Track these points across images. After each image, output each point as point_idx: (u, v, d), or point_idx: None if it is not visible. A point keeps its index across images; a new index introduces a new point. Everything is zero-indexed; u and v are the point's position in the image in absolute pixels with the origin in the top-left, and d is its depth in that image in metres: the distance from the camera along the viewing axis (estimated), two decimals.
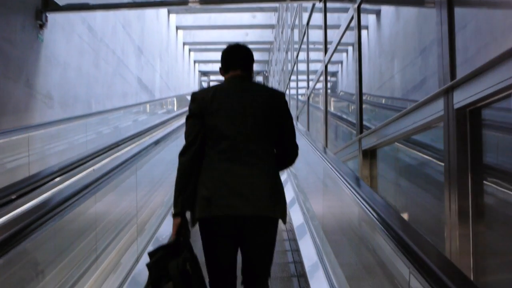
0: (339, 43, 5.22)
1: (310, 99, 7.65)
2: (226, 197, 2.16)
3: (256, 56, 22.13)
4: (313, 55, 7.82)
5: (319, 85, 6.57)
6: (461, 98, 2.00)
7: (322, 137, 6.04)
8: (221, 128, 2.24)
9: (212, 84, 31.95)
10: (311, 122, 7.57)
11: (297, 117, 9.60)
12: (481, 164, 1.95)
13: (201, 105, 2.29)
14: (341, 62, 5.72)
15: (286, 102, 2.42)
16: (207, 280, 2.24)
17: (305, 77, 9.47)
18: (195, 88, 26.49)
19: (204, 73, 29.54)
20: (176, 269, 2.08)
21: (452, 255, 1.98)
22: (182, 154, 2.26)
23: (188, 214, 2.26)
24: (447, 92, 2.12)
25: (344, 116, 5.34)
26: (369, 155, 3.94)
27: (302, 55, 9.38)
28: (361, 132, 4.03)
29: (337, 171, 3.13)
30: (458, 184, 1.98)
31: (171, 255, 2.14)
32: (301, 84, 9.82)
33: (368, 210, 2.08)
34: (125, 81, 11.31)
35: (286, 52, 13.68)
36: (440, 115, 2.20)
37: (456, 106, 2.04)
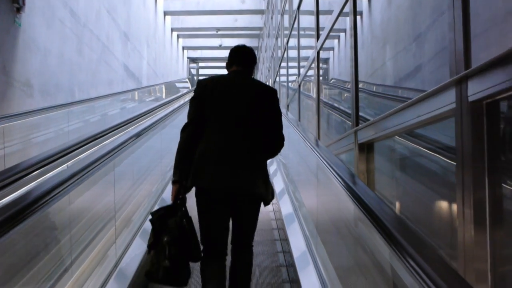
0: (332, 28, 4.97)
1: (301, 87, 7.40)
2: (216, 172, 2.56)
3: (246, 42, 21.72)
4: (304, 41, 7.56)
5: (311, 72, 6.32)
6: (477, 89, 1.77)
7: (314, 127, 5.81)
8: (218, 111, 2.66)
9: (201, 70, 31.62)
10: (302, 111, 7.34)
11: (288, 106, 9.35)
12: (500, 164, 1.73)
13: (204, 90, 2.70)
14: (333, 49, 5.63)
15: (277, 99, 2.81)
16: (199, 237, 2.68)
17: (295, 63, 9.21)
18: (184, 75, 26.09)
19: (193, 60, 29.10)
20: (174, 224, 2.57)
21: (467, 263, 1.76)
22: (183, 130, 2.68)
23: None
24: (460, 82, 1.88)
25: (337, 105, 5.11)
26: (366, 148, 3.71)
27: (293, 41, 9.12)
28: (357, 124, 3.80)
29: (330, 167, 2.91)
30: (473, 187, 1.75)
31: (171, 214, 2.61)
32: (291, 71, 9.56)
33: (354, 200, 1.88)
34: (110, 68, 10.96)
35: (276, 38, 13.38)
36: (451, 108, 1.97)
37: (471, 99, 1.80)
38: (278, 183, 5.66)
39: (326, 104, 5.36)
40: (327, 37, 5.25)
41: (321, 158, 3.34)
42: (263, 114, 2.71)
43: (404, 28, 3.04)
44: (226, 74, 2.89)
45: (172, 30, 21.22)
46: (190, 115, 2.70)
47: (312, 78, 6.49)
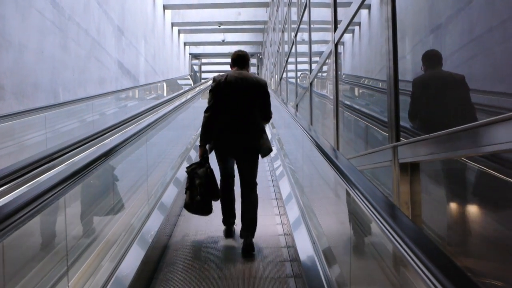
0: (352, 19, 4.06)
1: (313, 85, 6.45)
2: (227, 138, 3.94)
3: (250, 37, 20.87)
4: (314, 35, 6.61)
5: (320, 67, 5.39)
6: None
7: (331, 135, 4.87)
8: (228, 98, 3.93)
9: (203, 67, 30.74)
10: (315, 112, 6.39)
11: (297, 105, 8.40)
12: None
13: (218, 84, 3.95)
14: (343, 43, 5.08)
15: (266, 87, 4.07)
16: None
17: (305, 59, 8.27)
18: (186, 72, 25.19)
19: (195, 56, 28.17)
20: (202, 172, 3.93)
21: None
22: (206, 111, 3.94)
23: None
24: None
25: (364, 109, 4.16)
26: (410, 170, 2.78)
27: (301, 36, 8.17)
28: (397, 137, 2.86)
29: (357, 191, 2.00)
30: None
31: (199, 166, 3.97)
32: (300, 66, 8.61)
33: None
34: (102, 65, 10.05)
35: (282, 32, 12.43)
36: None
37: None
38: (292, 210, 4.62)
39: (349, 107, 4.40)
40: (346, 29, 4.31)
41: (348, 182, 2.43)
42: (258, 98, 3.98)
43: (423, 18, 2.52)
44: (231, 72, 4.09)
45: (173, 24, 20.28)
46: (209, 102, 3.96)
47: (330, 75, 5.55)
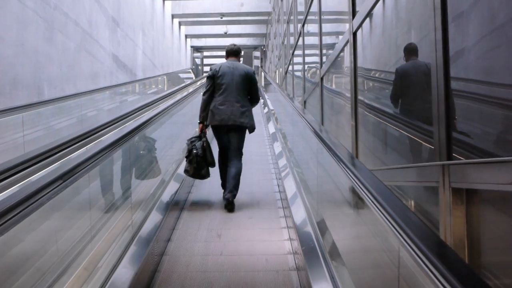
0: (375, 4, 3.37)
1: (324, 80, 5.73)
2: (220, 115, 4.78)
3: (253, 29, 20.06)
4: (325, 26, 5.89)
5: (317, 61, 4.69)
6: None
7: (348, 137, 4.17)
8: (222, 84, 4.82)
9: (205, 60, 30.03)
10: (326, 111, 5.67)
11: (304, 102, 7.67)
12: None
13: (214, 72, 4.86)
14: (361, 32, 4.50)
15: (254, 74, 5.06)
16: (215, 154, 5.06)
17: (312, 51, 7.57)
18: (188, 65, 24.47)
19: (197, 49, 27.41)
20: (200, 144, 4.85)
21: None
22: (204, 94, 4.88)
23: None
24: None
25: (386, 109, 3.43)
26: (466, 197, 2.08)
27: (308, 27, 7.45)
28: (448, 154, 2.16)
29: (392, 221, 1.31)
30: None
31: (198, 139, 4.88)
32: (308, 59, 7.89)
33: None
34: (94, 59, 9.34)
35: (288, 23, 11.69)
36: None
37: None
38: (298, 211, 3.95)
39: (372, 108, 3.67)
40: (369, 14, 3.60)
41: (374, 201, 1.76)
42: (246, 83, 4.89)
43: None
44: (226, 62, 5.00)
45: (173, 16, 19.52)
46: (206, 86, 4.92)
47: (344, 68, 4.83)
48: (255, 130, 5.07)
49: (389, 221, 1.63)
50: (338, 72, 4.99)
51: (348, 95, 4.22)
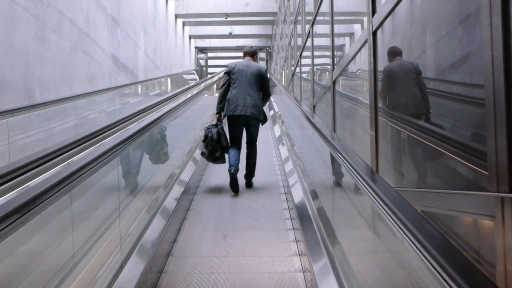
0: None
1: (337, 84, 5.24)
2: (235, 106, 5.47)
3: (258, 29, 19.55)
4: (333, 27, 5.42)
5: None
6: None
7: (365, 149, 3.68)
8: (237, 79, 5.55)
9: (210, 61, 29.55)
10: (339, 117, 5.19)
11: (314, 106, 7.19)
12: None
13: (230, 69, 5.63)
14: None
15: (266, 72, 5.83)
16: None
17: (322, 53, 7.10)
18: (192, 66, 24.02)
19: (201, 50, 26.96)
20: (216, 130, 5.57)
21: None
22: (221, 88, 5.70)
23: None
24: None
25: (413, 120, 2.95)
26: None
27: (317, 28, 6.97)
28: (511, 184, 1.68)
29: None
30: None
31: (214, 127, 5.62)
32: (317, 61, 7.40)
33: None
34: (92, 60, 8.89)
35: (295, 23, 11.21)
36: None
37: None
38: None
39: (397, 118, 3.17)
40: (393, 10, 3.12)
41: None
42: (259, 81, 5.62)
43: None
44: (242, 60, 5.81)
45: (176, 16, 19.09)
46: (223, 80, 5.71)
47: (356, 71, 4.35)
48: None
49: (431, 263, 1.18)
50: (354, 76, 4.51)
51: (366, 101, 3.73)
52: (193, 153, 6.34)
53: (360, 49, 4.12)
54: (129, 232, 3.09)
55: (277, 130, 9.10)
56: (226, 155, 5.61)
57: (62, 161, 4.14)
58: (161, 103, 7.34)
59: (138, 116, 7.02)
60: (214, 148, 5.50)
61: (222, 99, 5.58)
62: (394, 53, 3.14)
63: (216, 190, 5.64)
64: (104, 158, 2.50)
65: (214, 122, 5.74)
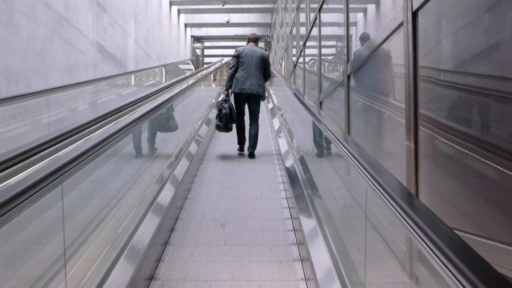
0: None
1: (353, 79, 4.37)
2: (242, 85, 6.58)
3: (257, 18, 18.39)
4: (348, 14, 4.56)
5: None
6: None
7: (396, 164, 2.83)
8: (244, 62, 6.63)
9: (206, 51, 28.58)
10: (355, 120, 4.32)
11: (320, 103, 6.31)
12: None
13: (238, 53, 6.69)
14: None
15: (268, 57, 6.94)
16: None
17: (327, 42, 6.25)
18: (187, 56, 23.09)
19: (197, 39, 25.97)
20: (227, 105, 6.73)
21: None
22: (230, 69, 6.74)
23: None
24: None
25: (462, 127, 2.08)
26: None
27: (327, 16, 6.09)
28: None
29: None
30: None
31: (224, 102, 6.79)
32: (325, 51, 6.53)
33: None
34: (72, 49, 7.99)
35: (297, 10, 10.30)
36: None
37: None
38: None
39: (450, 129, 2.30)
40: None
41: None
42: (262, 63, 6.68)
43: None
44: (247, 46, 6.85)
45: (171, 3, 18.13)
46: (231, 64, 6.76)
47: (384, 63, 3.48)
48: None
49: None
50: (379, 70, 3.64)
51: (400, 104, 2.87)
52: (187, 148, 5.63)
53: (385, 39, 3.26)
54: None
55: (276, 124, 8.28)
56: (233, 125, 6.90)
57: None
58: (141, 100, 6.38)
59: (130, 108, 6.20)
60: (228, 121, 6.67)
61: (231, 79, 6.72)
62: (365, 39, 3.31)
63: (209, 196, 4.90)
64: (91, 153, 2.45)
65: (222, 98, 6.90)
